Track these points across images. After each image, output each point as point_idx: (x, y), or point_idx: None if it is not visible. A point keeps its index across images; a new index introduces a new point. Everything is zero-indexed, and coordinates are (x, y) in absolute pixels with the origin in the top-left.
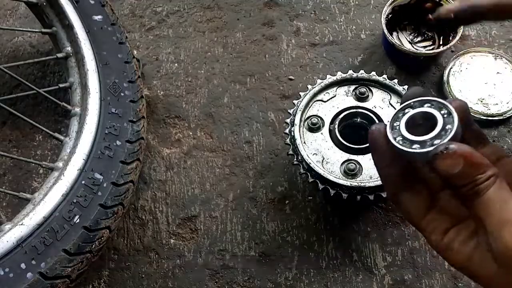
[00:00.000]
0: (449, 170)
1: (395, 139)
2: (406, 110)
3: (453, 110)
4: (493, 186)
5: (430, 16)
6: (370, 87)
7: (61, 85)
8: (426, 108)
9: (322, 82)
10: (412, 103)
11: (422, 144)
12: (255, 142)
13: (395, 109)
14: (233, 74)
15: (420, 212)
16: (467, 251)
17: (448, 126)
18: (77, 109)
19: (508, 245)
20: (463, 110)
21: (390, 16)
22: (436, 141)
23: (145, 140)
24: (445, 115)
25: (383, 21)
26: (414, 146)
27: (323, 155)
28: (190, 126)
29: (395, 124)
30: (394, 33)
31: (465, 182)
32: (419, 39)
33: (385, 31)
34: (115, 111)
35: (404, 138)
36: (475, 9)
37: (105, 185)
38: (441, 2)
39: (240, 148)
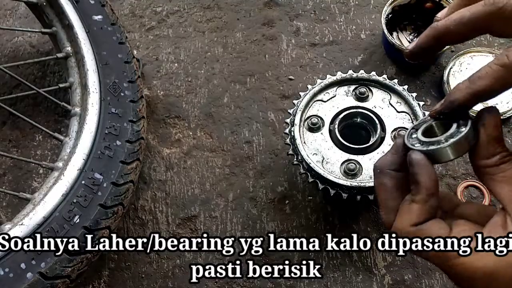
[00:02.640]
0: (495, 131)
1: (413, 145)
2: (419, 126)
3: (469, 117)
4: None
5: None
6: (370, 87)
7: (61, 85)
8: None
9: (322, 82)
10: (427, 118)
11: (438, 142)
12: (255, 142)
13: (395, 109)
14: (233, 74)
15: (444, 232)
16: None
17: (462, 128)
18: (77, 109)
19: None
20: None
21: (390, 16)
22: (451, 139)
23: (145, 140)
24: (461, 123)
25: (383, 21)
26: (431, 147)
27: (323, 155)
28: (190, 126)
29: (412, 139)
30: (394, 33)
31: (499, 150)
32: None
33: (385, 31)
34: (115, 111)
35: (420, 142)
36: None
37: (105, 185)
38: (441, 2)
39: (240, 148)
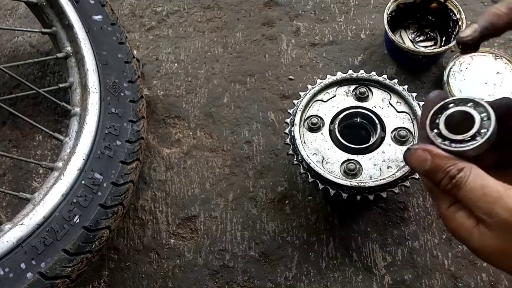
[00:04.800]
0: (421, 166)
1: (434, 136)
2: (443, 110)
3: (492, 114)
4: (470, 176)
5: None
6: (370, 87)
7: (61, 85)
8: (465, 108)
9: (322, 82)
10: (452, 101)
11: (462, 141)
12: (255, 142)
13: (395, 109)
14: (233, 74)
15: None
16: (467, 225)
17: (483, 130)
18: (77, 109)
19: (504, 218)
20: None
21: (394, 13)
22: (471, 143)
23: (145, 140)
24: (484, 118)
25: (385, 17)
26: (446, 142)
27: (323, 155)
28: (190, 126)
29: (434, 119)
30: (398, 31)
31: (440, 176)
32: (421, 38)
33: (386, 27)
34: (115, 111)
35: (441, 135)
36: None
37: (105, 185)
38: (447, 3)
39: (240, 148)
